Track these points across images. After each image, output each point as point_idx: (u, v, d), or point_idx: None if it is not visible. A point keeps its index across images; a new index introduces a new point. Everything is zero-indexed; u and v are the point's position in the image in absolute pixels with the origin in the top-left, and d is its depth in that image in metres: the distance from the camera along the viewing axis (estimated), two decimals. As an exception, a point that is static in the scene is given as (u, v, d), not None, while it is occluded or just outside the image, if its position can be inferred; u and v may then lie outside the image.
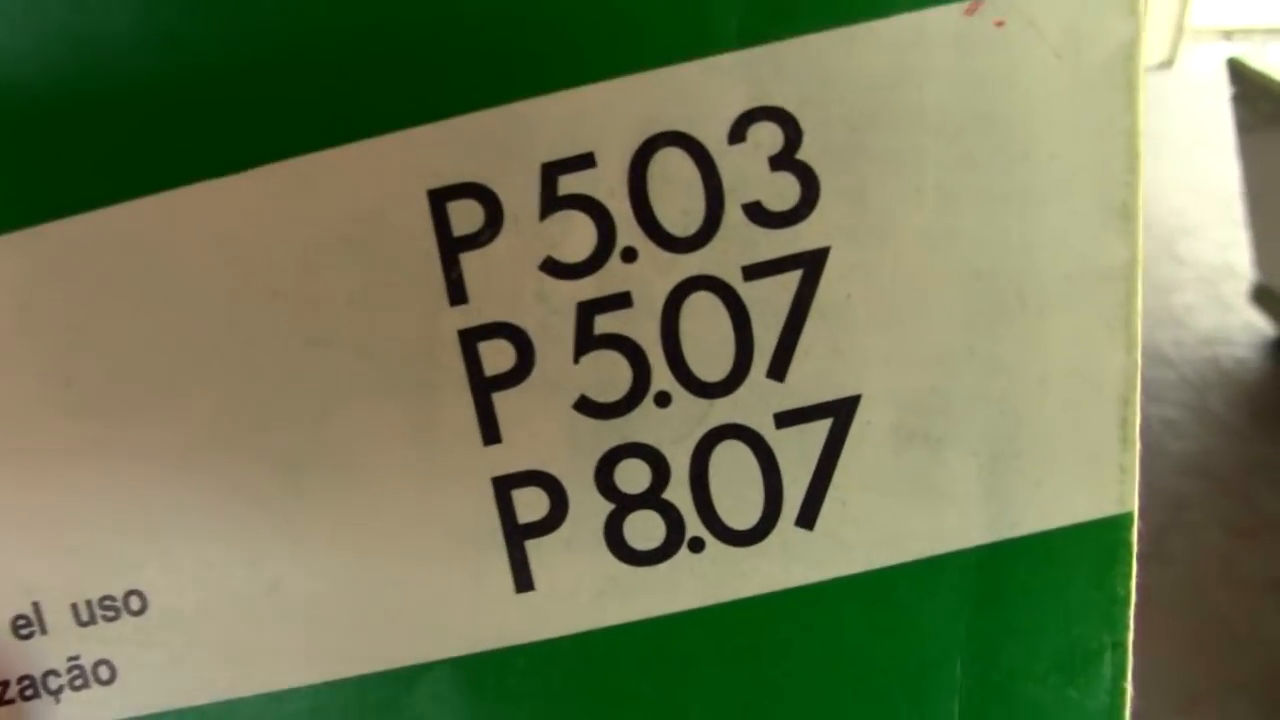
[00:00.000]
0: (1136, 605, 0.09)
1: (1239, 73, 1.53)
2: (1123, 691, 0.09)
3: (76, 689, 0.09)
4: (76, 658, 0.09)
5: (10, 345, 0.09)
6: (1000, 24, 0.08)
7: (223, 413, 0.09)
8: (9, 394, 0.09)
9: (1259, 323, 1.68)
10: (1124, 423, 0.09)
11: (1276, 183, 1.47)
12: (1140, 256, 0.08)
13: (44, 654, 0.09)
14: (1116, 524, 0.09)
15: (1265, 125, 1.44)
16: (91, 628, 0.09)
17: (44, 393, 0.09)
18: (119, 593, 0.09)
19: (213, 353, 0.09)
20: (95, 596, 0.09)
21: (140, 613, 0.09)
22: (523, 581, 0.09)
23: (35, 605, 0.09)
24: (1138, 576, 0.09)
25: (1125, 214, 0.08)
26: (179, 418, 0.09)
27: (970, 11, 0.08)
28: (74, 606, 0.09)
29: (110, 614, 0.09)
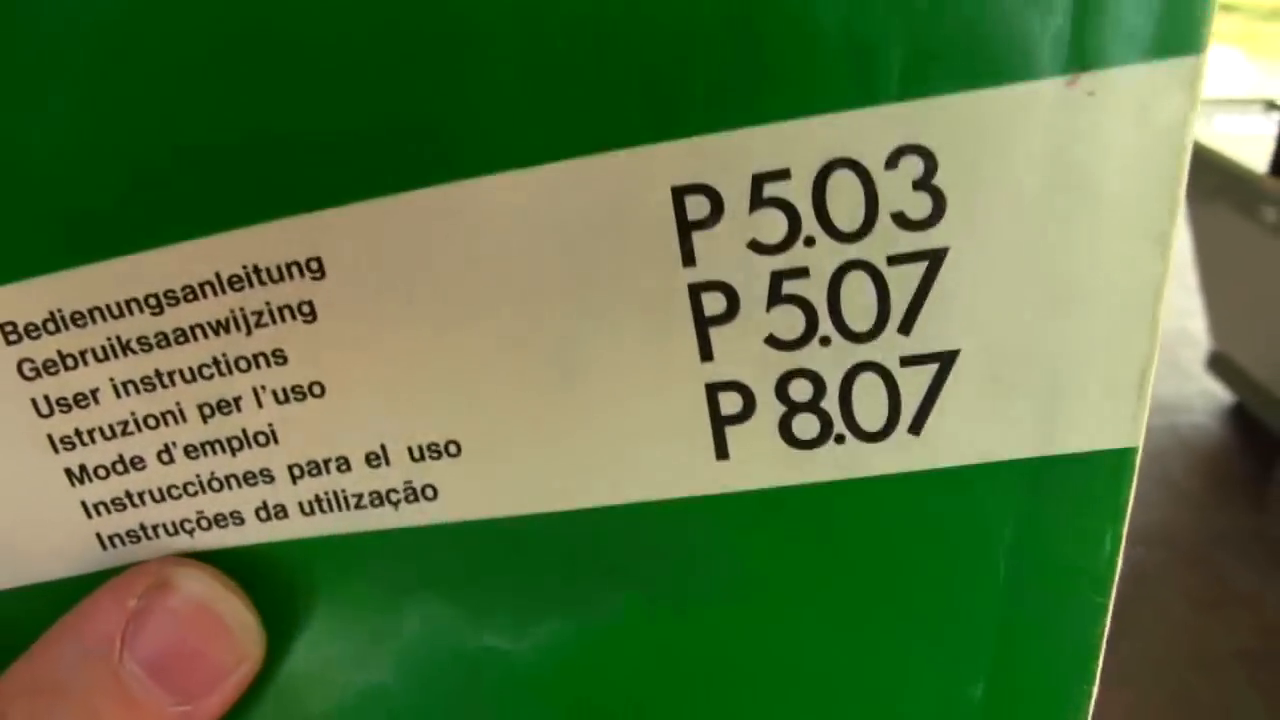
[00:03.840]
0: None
1: (1185, 146, 1.46)
2: (1117, 555, 0.13)
3: (410, 502, 0.14)
4: (410, 482, 0.14)
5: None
6: (1091, 94, 0.12)
7: (517, 325, 0.13)
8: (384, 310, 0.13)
9: (1217, 390, 1.60)
10: (1143, 380, 0.12)
11: (1227, 253, 1.41)
12: (1170, 272, 0.12)
13: (385, 479, 0.14)
14: (1128, 452, 0.13)
15: (1213, 198, 1.38)
16: (421, 463, 0.14)
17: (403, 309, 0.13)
18: (441, 440, 0.13)
19: (518, 290, 0.13)
20: (425, 443, 0.14)
21: (456, 455, 0.13)
22: (721, 452, 0.13)
23: (382, 446, 0.14)
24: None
25: (1163, 240, 0.12)
26: (488, 330, 0.13)
27: (1071, 85, 0.12)
28: (409, 449, 0.14)
29: (435, 455, 0.14)
